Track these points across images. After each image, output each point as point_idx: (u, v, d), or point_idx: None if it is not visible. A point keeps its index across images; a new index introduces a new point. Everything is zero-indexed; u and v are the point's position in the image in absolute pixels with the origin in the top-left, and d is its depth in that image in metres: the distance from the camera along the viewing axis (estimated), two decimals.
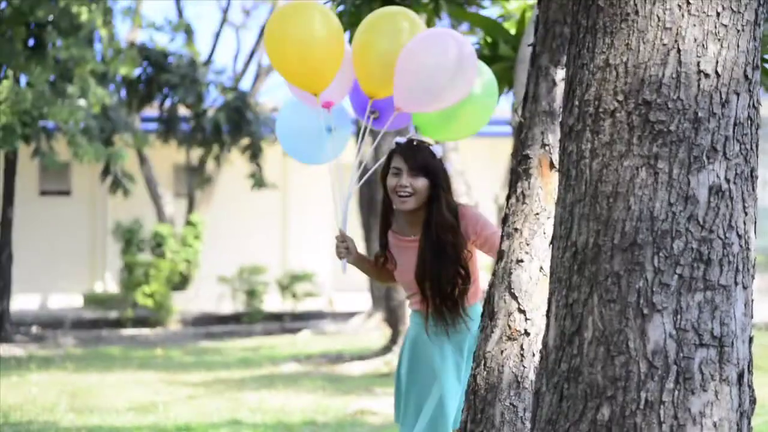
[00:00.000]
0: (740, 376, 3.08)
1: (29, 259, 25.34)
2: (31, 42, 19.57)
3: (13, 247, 21.59)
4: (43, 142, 20.04)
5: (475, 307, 5.30)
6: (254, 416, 10.56)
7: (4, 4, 19.04)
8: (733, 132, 3.11)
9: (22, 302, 25.20)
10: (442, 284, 5.16)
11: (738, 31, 3.14)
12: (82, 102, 19.27)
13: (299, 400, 11.81)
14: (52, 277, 26.97)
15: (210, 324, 24.54)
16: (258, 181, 24.38)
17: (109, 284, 27.68)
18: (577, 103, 3.19)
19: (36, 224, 25.86)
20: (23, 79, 19.75)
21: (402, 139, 5.41)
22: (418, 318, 5.38)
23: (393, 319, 16.17)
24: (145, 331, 23.34)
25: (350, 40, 6.26)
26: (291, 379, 14.18)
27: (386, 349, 16.03)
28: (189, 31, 23.50)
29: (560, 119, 3.32)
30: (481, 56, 6.39)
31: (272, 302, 25.79)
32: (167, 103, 24.27)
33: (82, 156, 19.24)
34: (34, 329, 22.97)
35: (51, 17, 19.00)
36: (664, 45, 3.09)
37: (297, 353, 17.74)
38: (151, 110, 25.11)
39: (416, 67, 5.07)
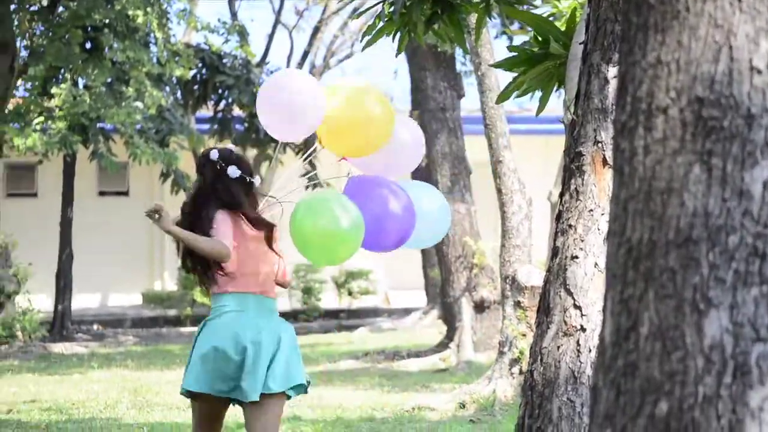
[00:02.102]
0: None
1: (89, 259, 25.55)
2: (88, 45, 19.79)
3: (73, 246, 21.81)
4: (101, 144, 20.21)
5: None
6: (313, 413, 10.60)
7: (61, 8, 19.23)
8: None
9: (82, 301, 25.43)
10: None
11: None
12: (138, 104, 19.45)
13: (357, 397, 11.84)
14: (112, 276, 27.20)
15: None
16: (312, 181, 24.43)
17: (168, 283, 27.87)
18: (629, 100, 3.19)
19: (95, 224, 26.08)
20: (81, 82, 19.96)
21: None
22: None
23: (449, 316, 16.17)
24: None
25: (400, 39, 6.28)
26: (348, 375, 14.22)
27: (442, 346, 16.04)
28: (243, 33, 23.60)
29: (613, 116, 3.33)
30: (532, 54, 6.39)
31: (329, 300, 25.86)
32: (222, 103, 24.39)
33: (140, 157, 19.38)
34: (95, 327, 23.22)
35: (107, 20, 19.17)
36: (715, 42, 3.09)
37: (354, 350, 17.78)
38: (206, 111, 25.26)
39: None
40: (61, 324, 21.36)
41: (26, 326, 18.49)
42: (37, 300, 19.69)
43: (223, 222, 5.81)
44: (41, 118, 19.16)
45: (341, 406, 11.06)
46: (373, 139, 5.97)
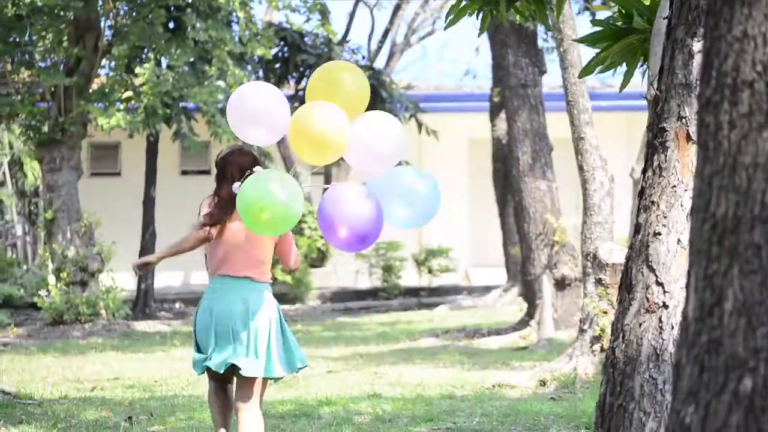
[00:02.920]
0: None
1: (172, 237, 25.71)
2: (171, 25, 19.93)
3: (156, 225, 22.04)
4: (184, 124, 20.37)
5: None
6: (393, 390, 10.64)
7: None
8: None
9: (165, 279, 25.70)
10: None
11: None
12: (220, 83, 19.56)
13: (437, 374, 11.86)
14: (194, 254, 27.41)
15: (348, 299, 24.74)
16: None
17: None
18: (714, 74, 3.15)
19: (177, 203, 26.33)
20: (164, 62, 20.13)
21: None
22: None
23: (529, 294, 16.13)
24: (284, 307, 23.61)
25: (482, 18, 6.24)
26: (429, 353, 14.25)
27: (523, 323, 16.01)
28: (324, 11, 23.64)
29: (697, 91, 3.29)
30: (616, 29, 6.34)
31: (409, 277, 25.90)
32: (303, 82, 24.47)
33: (221, 136, 19.52)
34: (178, 306, 23.46)
35: (190, 0, 19.31)
36: None
37: (434, 328, 17.81)
38: (287, 90, 25.35)
39: None
40: (144, 302, 21.62)
41: (110, 304, 18.74)
42: (120, 278, 19.92)
43: (203, 207, 6.82)
44: (126, 97, 19.36)
45: (422, 383, 11.09)
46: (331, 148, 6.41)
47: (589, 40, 6.52)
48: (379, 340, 16.13)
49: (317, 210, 6.40)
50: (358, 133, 6.49)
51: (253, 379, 6.49)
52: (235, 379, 6.59)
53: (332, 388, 10.75)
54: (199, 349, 6.61)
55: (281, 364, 6.57)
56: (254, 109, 6.42)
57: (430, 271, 25.81)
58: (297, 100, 24.43)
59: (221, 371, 6.42)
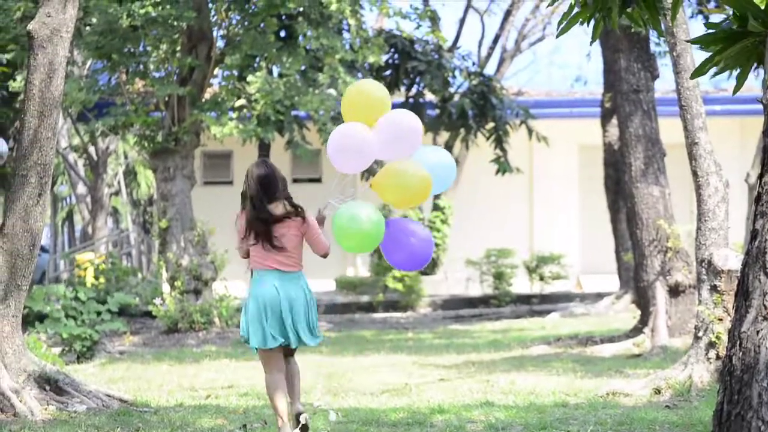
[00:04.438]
0: None
1: None
2: (282, 33, 20.13)
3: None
4: (296, 132, 20.50)
5: None
6: (506, 398, 10.58)
7: None
8: None
9: None
10: None
11: None
12: (331, 91, 19.66)
13: (550, 382, 11.77)
14: (306, 262, 27.60)
15: (459, 307, 24.70)
16: (502, 167, 24.26)
17: (361, 269, 28.16)
18: None
19: None
20: (275, 70, 20.32)
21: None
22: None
23: (643, 300, 15.93)
24: (395, 315, 23.67)
25: (594, 25, 6.20)
26: (541, 361, 14.16)
27: (636, 331, 15.82)
28: (434, 18, 23.66)
29: None
30: (730, 32, 6.25)
31: (520, 285, 25.76)
32: (413, 89, 24.49)
33: None
34: None
35: (301, 9, 19.46)
36: None
37: (546, 335, 17.69)
38: (398, 97, 25.40)
39: None
40: None
41: (223, 312, 18.93)
42: (233, 286, 20.11)
43: (239, 221, 8.27)
44: (238, 106, 19.57)
45: (534, 391, 11.02)
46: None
47: (703, 41, 6.43)
48: (490, 347, 16.07)
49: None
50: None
51: (295, 349, 8.20)
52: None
53: (444, 396, 10.73)
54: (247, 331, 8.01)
55: (309, 336, 8.12)
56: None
57: (541, 278, 25.65)
58: (407, 106, 24.49)
59: (276, 345, 7.92)
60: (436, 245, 26.38)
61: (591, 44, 7.41)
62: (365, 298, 24.80)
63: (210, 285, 19.58)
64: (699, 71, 6.61)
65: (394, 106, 24.22)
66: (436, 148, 8.36)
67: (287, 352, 8.20)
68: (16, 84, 20.46)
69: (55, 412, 9.42)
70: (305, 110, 19.53)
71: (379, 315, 23.64)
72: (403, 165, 7.88)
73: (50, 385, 9.75)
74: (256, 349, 8.03)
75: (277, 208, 8.07)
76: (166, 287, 19.30)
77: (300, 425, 7.92)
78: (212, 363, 14.59)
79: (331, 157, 7.90)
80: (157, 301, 19.05)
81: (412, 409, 9.79)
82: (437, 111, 24.63)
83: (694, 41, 6.58)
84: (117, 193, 37.63)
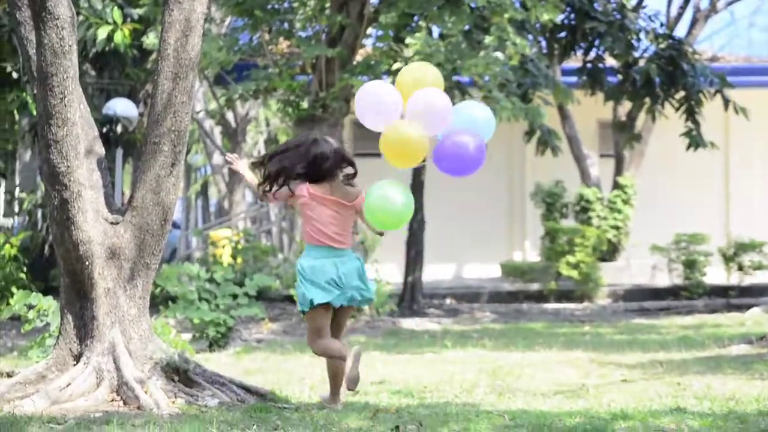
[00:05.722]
0: None
1: (442, 225, 25.87)
2: None
3: (425, 211, 22.01)
4: (457, 99, 20.27)
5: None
6: (701, 404, 10.21)
7: None
8: None
9: (434, 272, 25.78)
10: None
11: None
12: (498, 54, 19.35)
13: (752, 387, 11.34)
14: (467, 244, 27.48)
15: (643, 298, 24.31)
16: (694, 141, 23.70)
17: (529, 253, 27.91)
18: None
19: (449, 187, 26.34)
20: (436, 31, 20.07)
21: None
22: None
23: None
24: (569, 306, 23.40)
25: None
26: (741, 362, 13.68)
27: None
28: None
29: None
30: None
31: (715, 275, 25.19)
32: (592, 53, 24.06)
33: (500, 113, 19.31)
34: (448, 301, 23.47)
35: None
36: None
37: (747, 333, 17.17)
38: (574, 62, 24.99)
39: None
40: (412, 297, 21.68)
41: (374, 299, 18.86)
42: (385, 270, 20.05)
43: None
44: (394, 70, 19.41)
45: (734, 397, 10.61)
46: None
47: None
48: (681, 345, 15.65)
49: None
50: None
51: (350, 309, 9.72)
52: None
53: (627, 400, 10.42)
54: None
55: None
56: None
57: (740, 268, 24.98)
58: (584, 73, 24.03)
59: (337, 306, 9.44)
60: (617, 228, 25.97)
61: None
62: (535, 287, 24.56)
63: None
64: None
65: (569, 71, 24.03)
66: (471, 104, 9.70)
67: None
68: (149, 41, 20.65)
69: (184, 405, 9.38)
70: (468, 75, 19.29)
71: (550, 305, 23.37)
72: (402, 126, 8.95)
73: (179, 375, 9.74)
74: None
75: None
76: None
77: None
78: (362, 355, 14.48)
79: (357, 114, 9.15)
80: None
81: (590, 414, 9.50)
82: (619, 78, 24.23)
83: None
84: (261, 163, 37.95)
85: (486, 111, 9.53)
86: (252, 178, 9.69)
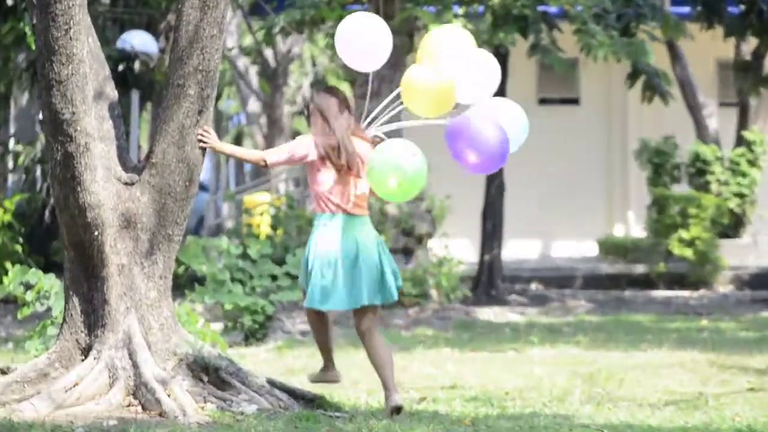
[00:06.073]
0: None
1: (526, 193, 25.86)
2: None
3: (505, 175, 21.98)
4: (543, 34, 20.24)
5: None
6: None
7: None
8: None
9: (517, 250, 25.80)
10: None
11: None
12: None
13: None
14: (556, 216, 27.47)
15: None
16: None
17: (633, 227, 27.86)
18: None
19: (534, 145, 26.25)
20: None
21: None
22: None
23: None
24: (683, 294, 23.37)
25: None
26: None
27: None
28: None
29: None
30: None
31: None
32: None
33: (595, 50, 19.29)
34: (534, 287, 23.50)
35: None
36: None
37: None
38: None
39: None
40: (489, 281, 21.71)
41: (442, 282, 18.93)
42: (456, 246, 20.09)
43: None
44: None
45: None
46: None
47: None
48: None
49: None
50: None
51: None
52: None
53: (756, 413, 10.45)
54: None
55: None
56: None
57: None
58: (699, 3, 23.89)
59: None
60: (741, 195, 25.82)
61: None
62: (640, 269, 24.54)
63: (425, 243, 19.59)
64: None
65: (680, 2, 23.72)
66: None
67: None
68: None
69: (215, 412, 9.47)
70: (557, 4, 19.29)
71: (659, 293, 23.38)
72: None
73: (208, 374, 9.82)
74: None
75: None
76: None
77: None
78: (428, 352, 14.60)
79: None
80: None
81: (710, 429, 9.56)
82: (742, 8, 24.03)
83: None
84: (301, 112, 38.04)
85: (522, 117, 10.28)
86: (238, 150, 10.36)
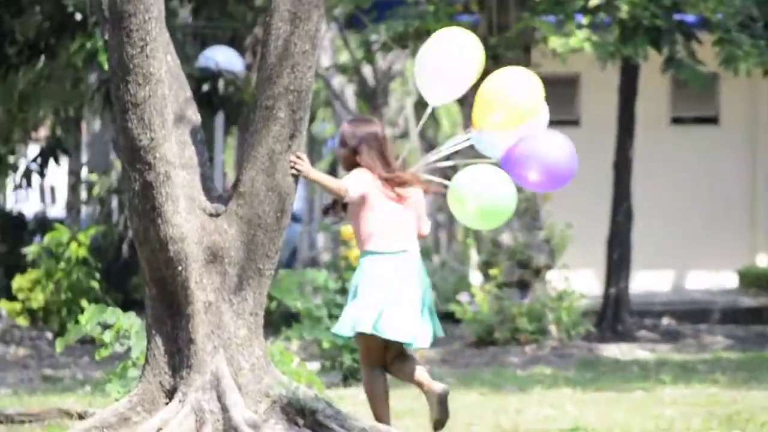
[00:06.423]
0: None
1: (657, 219, 25.73)
2: None
3: (633, 200, 21.93)
4: (680, 46, 20.16)
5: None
6: None
7: None
8: None
9: (646, 281, 25.68)
10: None
11: None
12: None
13: None
14: (691, 244, 27.31)
15: None
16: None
17: None
18: None
19: (666, 167, 26.25)
20: None
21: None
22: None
23: None
24: (760, 328, 23.12)
25: None
26: None
27: None
28: None
29: None
30: None
31: None
32: None
33: (738, 63, 19.19)
34: (666, 322, 23.42)
35: None
36: None
37: None
38: None
39: None
40: (615, 315, 21.65)
41: (563, 318, 18.93)
42: (578, 278, 20.06)
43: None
44: (592, 6, 19.41)
45: None
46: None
47: None
48: None
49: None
50: None
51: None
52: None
53: None
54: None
55: None
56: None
57: None
58: None
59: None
60: None
61: None
62: None
63: (543, 275, 19.60)
64: None
65: None
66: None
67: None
68: None
69: None
70: (696, 13, 19.23)
71: None
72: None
73: (304, 417, 9.85)
74: None
75: None
76: (476, 277, 19.41)
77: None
78: (546, 393, 14.58)
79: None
80: (463, 297, 19.19)
81: None
82: None
83: None
84: (405, 135, 38.11)
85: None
86: (324, 178, 9.99)
